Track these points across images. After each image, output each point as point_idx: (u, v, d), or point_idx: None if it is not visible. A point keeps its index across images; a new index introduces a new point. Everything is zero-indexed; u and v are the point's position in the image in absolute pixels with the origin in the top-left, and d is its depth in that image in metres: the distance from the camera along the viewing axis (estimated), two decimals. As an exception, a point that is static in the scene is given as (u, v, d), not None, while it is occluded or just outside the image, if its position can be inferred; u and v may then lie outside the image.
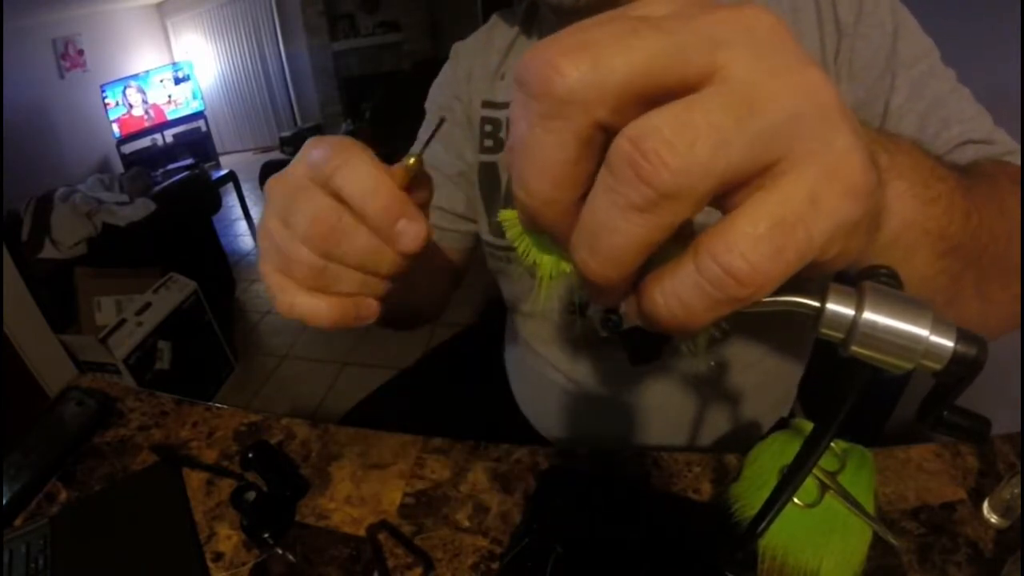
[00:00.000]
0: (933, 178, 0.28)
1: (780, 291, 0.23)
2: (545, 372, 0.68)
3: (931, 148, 0.46)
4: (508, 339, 0.75)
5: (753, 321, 0.57)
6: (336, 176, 0.25)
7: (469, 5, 4.19)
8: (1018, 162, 0.45)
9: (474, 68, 0.63)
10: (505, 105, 0.61)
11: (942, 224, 0.28)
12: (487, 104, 0.61)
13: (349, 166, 0.25)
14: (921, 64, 0.48)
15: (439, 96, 0.66)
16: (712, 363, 0.59)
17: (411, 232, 0.25)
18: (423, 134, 0.67)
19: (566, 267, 0.25)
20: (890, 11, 0.48)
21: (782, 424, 0.49)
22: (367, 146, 0.26)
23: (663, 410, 0.63)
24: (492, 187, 0.61)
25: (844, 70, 0.49)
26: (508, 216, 0.26)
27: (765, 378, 0.63)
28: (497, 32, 0.63)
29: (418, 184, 0.28)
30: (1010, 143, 0.47)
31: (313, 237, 0.25)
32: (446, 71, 0.66)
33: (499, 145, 0.60)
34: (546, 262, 0.25)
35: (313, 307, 0.27)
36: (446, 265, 0.67)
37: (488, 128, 0.61)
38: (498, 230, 0.60)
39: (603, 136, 0.17)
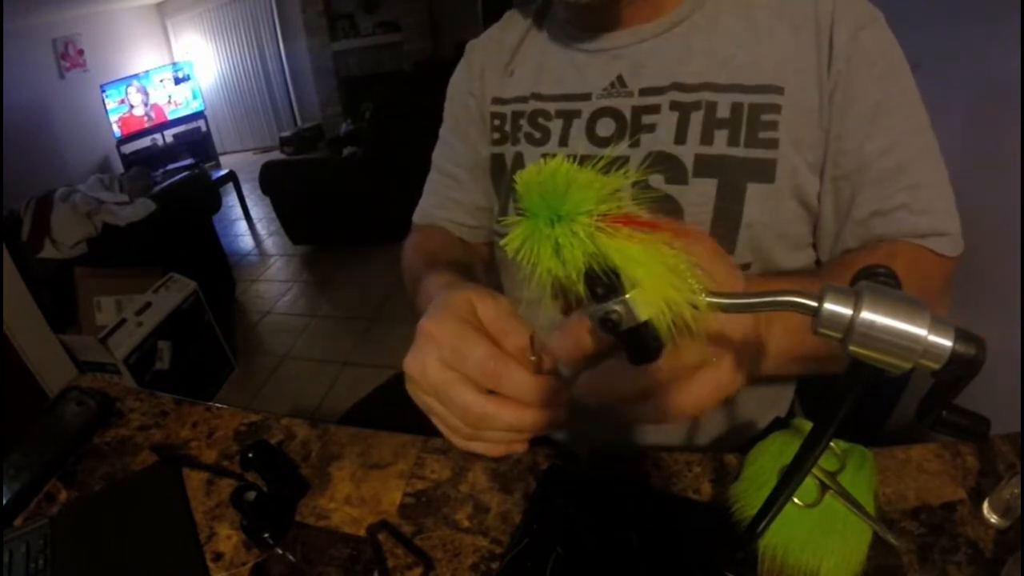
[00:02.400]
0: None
1: (780, 290, 0.23)
2: None
3: (879, 205, 0.50)
4: None
5: None
6: (501, 390, 0.34)
7: (469, 5, 4.19)
8: (936, 247, 0.49)
9: (486, 65, 0.67)
10: (511, 101, 0.64)
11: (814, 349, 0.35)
12: (496, 100, 0.65)
13: (507, 383, 0.33)
14: (901, 113, 0.50)
15: (455, 93, 0.71)
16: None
17: (563, 398, 0.35)
18: (444, 131, 0.73)
19: (559, 270, 0.26)
20: (881, 54, 0.50)
21: (782, 424, 0.49)
22: (470, 309, 0.36)
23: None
24: (499, 175, 0.65)
25: (838, 95, 0.50)
26: (510, 222, 0.28)
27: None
28: (509, 31, 0.67)
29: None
30: (944, 224, 0.50)
31: (468, 420, 0.35)
32: (461, 68, 0.71)
33: (505, 137, 0.64)
34: (544, 262, 0.26)
35: (481, 449, 0.38)
36: (485, 261, 0.74)
37: (497, 123, 0.65)
38: (505, 217, 0.65)
39: None
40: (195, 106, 4.91)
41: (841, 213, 0.52)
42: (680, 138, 0.53)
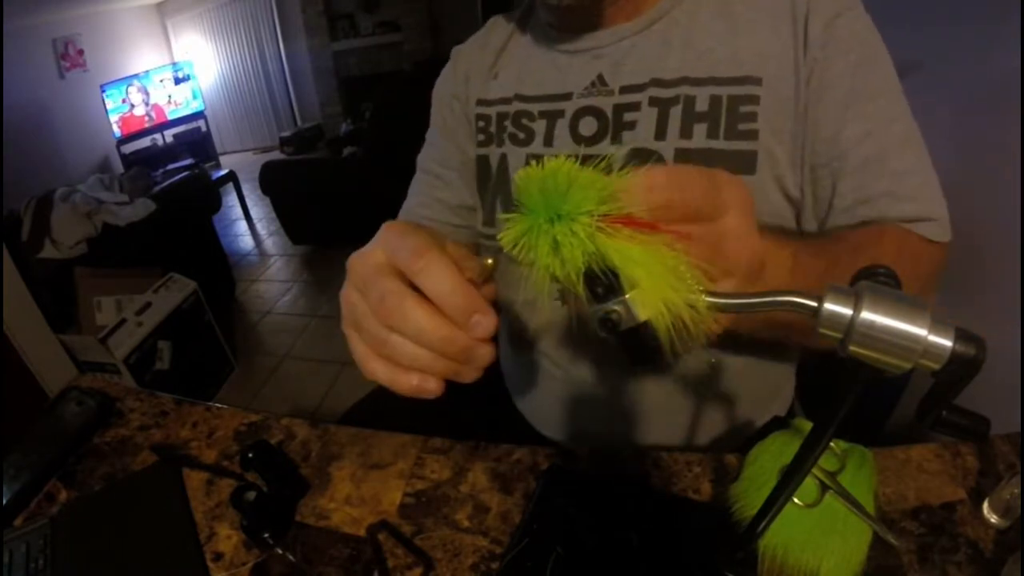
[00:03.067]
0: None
1: (780, 291, 0.23)
2: (542, 364, 0.68)
3: (861, 192, 0.50)
4: (503, 338, 0.75)
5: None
6: (420, 277, 0.29)
7: (469, 5, 4.19)
8: (924, 231, 0.48)
9: (471, 69, 0.67)
10: (495, 103, 0.64)
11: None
12: (480, 102, 0.65)
13: (431, 270, 0.29)
14: (879, 100, 0.49)
15: (441, 96, 0.71)
16: (712, 360, 0.59)
17: (484, 323, 0.29)
18: (430, 134, 0.73)
19: (557, 269, 0.26)
20: (859, 42, 0.49)
21: (782, 424, 0.49)
22: (440, 241, 0.32)
23: (660, 407, 0.63)
24: (484, 178, 0.65)
25: (814, 81, 0.50)
26: (506, 218, 0.28)
27: (758, 375, 0.63)
28: (493, 34, 0.67)
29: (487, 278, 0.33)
30: (930, 210, 0.49)
31: (379, 311, 0.30)
32: (446, 72, 0.71)
33: (489, 139, 0.64)
34: (542, 258, 0.26)
35: (386, 376, 0.33)
36: None
37: (481, 124, 0.65)
38: (491, 219, 0.64)
39: None
40: (195, 106, 4.91)
41: (822, 202, 0.52)
42: (660, 134, 0.53)
